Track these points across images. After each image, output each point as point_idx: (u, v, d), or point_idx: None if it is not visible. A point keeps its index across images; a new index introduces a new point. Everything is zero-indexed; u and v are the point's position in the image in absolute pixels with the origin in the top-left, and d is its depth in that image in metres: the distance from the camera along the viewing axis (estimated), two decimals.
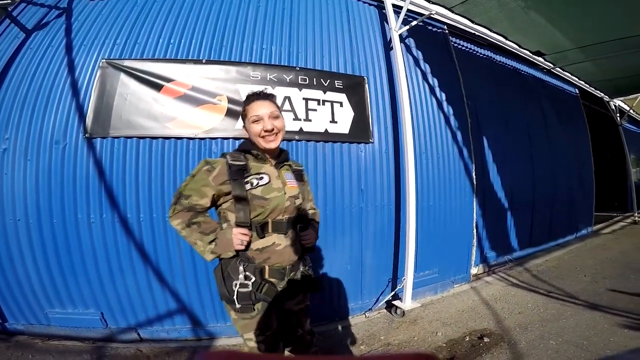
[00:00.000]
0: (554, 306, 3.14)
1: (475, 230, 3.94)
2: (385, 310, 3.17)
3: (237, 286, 1.26)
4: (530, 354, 2.35)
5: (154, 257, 2.54)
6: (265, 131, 1.31)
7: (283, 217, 1.35)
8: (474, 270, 4.03)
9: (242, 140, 2.58)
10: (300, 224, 1.46)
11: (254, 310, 1.29)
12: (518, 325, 2.77)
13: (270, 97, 1.40)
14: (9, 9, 2.83)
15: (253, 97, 1.38)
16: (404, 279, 3.00)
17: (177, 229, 1.32)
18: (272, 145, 1.35)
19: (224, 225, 1.33)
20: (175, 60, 2.67)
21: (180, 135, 2.55)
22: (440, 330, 2.78)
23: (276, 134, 1.35)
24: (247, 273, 1.27)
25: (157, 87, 2.57)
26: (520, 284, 3.79)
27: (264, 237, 1.31)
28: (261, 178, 1.32)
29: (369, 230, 3.09)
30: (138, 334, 2.58)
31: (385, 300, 3.14)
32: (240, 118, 1.40)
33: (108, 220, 2.47)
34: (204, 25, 2.86)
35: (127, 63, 2.59)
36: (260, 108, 1.33)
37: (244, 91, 2.70)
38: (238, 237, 1.26)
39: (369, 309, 3.13)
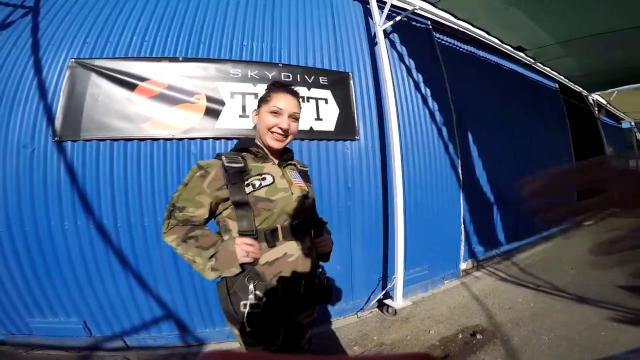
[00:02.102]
0: (544, 300, 3.15)
1: (463, 226, 3.94)
2: (377, 310, 3.13)
3: (247, 307, 1.07)
4: (523, 350, 2.34)
5: (134, 264, 2.44)
6: (279, 128, 1.20)
7: (293, 221, 1.21)
8: (463, 266, 4.03)
9: (223, 139, 2.56)
10: (314, 229, 1.33)
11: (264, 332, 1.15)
12: (509, 321, 2.76)
13: (298, 96, 1.29)
14: None
15: (283, 88, 1.25)
16: (395, 277, 2.96)
17: (172, 246, 1.16)
18: (277, 145, 1.23)
19: (225, 237, 1.18)
20: (149, 59, 2.55)
21: (157, 136, 2.44)
22: (433, 328, 2.75)
23: (287, 136, 1.24)
24: (258, 292, 1.08)
25: (131, 87, 2.45)
26: (508, 278, 3.80)
27: (274, 246, 1.16)
28: (264, 178, 1.18)
29: (357, 229, 3.04)
30: (124, 342, 2.50)
31: (376, 299, 3.10)
32: (257, 104, 1.29)
33: (83, 226, 2.35)
34: (180, 22, 2.75)
35: (98, 62, 2.46)
36: (286, 103, 1.21)
37: (223, 89, 2.62)
38: (242, 247, 1.09)
39: (361, 309, 3.08)
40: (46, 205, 2.32)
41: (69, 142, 2.35)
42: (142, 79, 2.48)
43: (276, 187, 1.19)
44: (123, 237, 2.40)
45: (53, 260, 2.35)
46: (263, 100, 1.25)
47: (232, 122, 2.60)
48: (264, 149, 1.28)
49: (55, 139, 2.33)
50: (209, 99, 2.57)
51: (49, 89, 2.41)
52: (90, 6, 2.68)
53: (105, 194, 2.37)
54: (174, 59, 2.59)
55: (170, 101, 2.50)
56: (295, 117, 1.25)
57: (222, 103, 2.60)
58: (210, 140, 2.56)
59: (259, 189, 1.16)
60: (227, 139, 2.59)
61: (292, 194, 1.22)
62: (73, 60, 2.45)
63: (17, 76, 2.43)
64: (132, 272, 2.44)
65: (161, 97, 2.48)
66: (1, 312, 2.39)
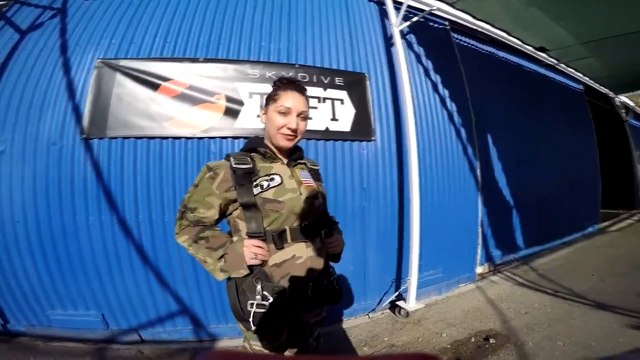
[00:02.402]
0: (561, 306, 3.06)
1: (480, 229, 3.88)
2: (388, 311, 3.12)
3: (254, 306, 1.08)
4: (537, 355, 2.29)
5: (153, 258, 2.51)
6: (288, 129, 1.19)
7: (302, 223, 1.19)
8: (479, 270, 3.96)
9: (241, 139, 2.61)
10: (324, 229, 1.30)
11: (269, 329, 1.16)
12: (525, 326, 2.71)
13: (306, 93, 1.27)
14: (4, 10, 2.80)
15: (291, 85, 1.23)
16: (408, 279, 2.95)
17: (184, 246, 1.18)
18: (287, 145, 1.22)
19: (235, 238, 1.18)
20: (171, 59, 2.63)
21: (178, 134, 2.52)
22: (445, 331, 2.72)
23: (296, 135, 1.22)
24: (265, 293, 1.09)
25: (154, 87, 2.53)
26: (526, 283, 3.72)
27: (282, 247, 1.15)
28: (272, 179, 1.17)
29: (371, 230, 3.04)
30: (139, 336, 2.56)
31: (389, 300, 3.08)
32: (265, 102, 1.27)
33: (107, 221, 2.44)
34: (200, 23, 2.82)
35: (123, 63, 2.55)
36: (294, 101, 1.19)
37: (242, 89, 2.67)
38: (251, 249, 1.09)
39: (372, 310, 3.08)
40: (72, 200, 2.42)
41: (96, 140, 2.45)
42: (165, 79, 2.55)
43: (284, 188, 1.18)
44: (144, 232, 2.48)
45: (76, 254, 2.44)
46: (270, 99, 1.24)
47: (250, 121, 2.65)
48: (272, 148, 1.27)
49: (83, 136, 2.43)
50: (229, 99, 2.63)
51: (77, 89, 2.52)
52: (115, 7, 2.79)
53: (128, 190, 2.46)
54: (194, 60, 2.66)
55: (192, 101, 2.56)
56: (303, 117, 1.23)
57: (241, 103, 2.66)
58: (230, 139, 2.62)
59: (267, 190, 1.15)
60: (246, 138, 2.61)
61: (301, 194, 1.20)
62: (100, 60, 2.55)
63: (47, 76, 2.55)
64: (151, 267, 2.51)
65: (183, 97, 2.56)
66: (24, 303, 2.49)
